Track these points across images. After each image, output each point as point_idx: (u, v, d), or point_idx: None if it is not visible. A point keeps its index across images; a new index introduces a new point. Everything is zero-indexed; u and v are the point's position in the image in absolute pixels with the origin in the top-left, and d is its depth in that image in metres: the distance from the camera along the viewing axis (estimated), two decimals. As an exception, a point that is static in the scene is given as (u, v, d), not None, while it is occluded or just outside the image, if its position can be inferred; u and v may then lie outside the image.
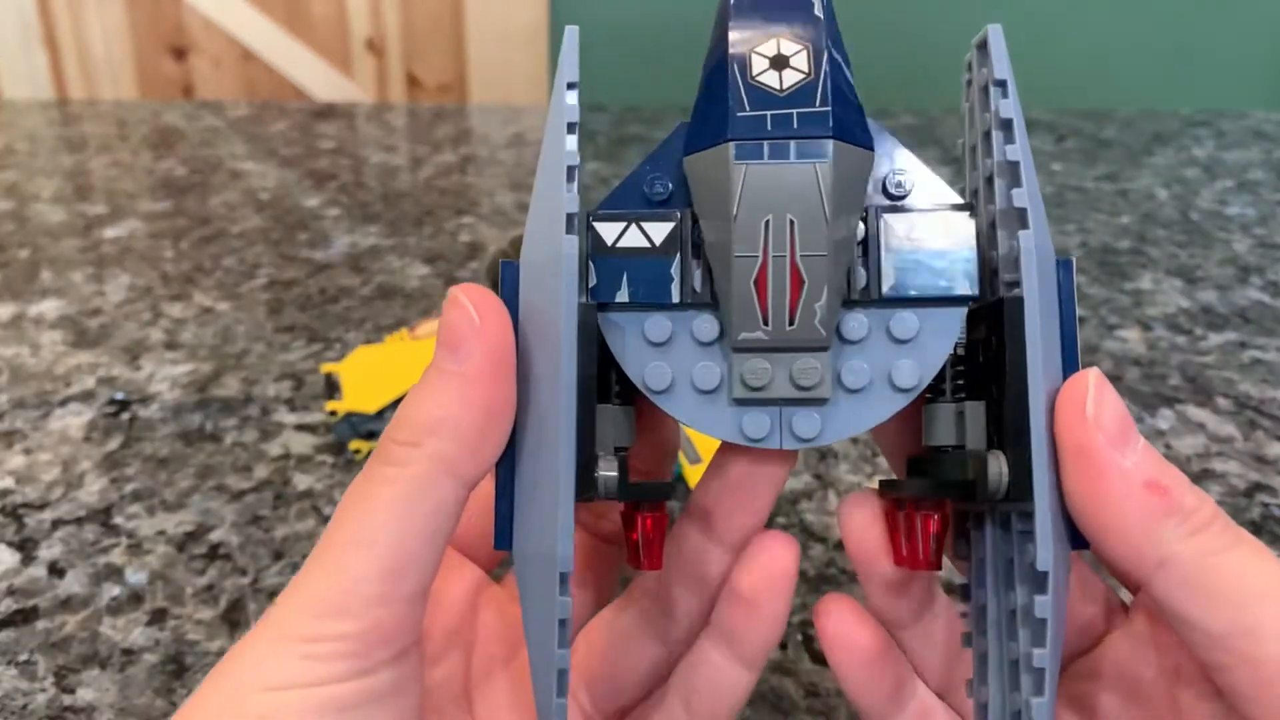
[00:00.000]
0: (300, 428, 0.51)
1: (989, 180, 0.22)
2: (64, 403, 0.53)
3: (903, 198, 0.22)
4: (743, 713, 0.34)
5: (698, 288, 0.21)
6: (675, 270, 0.21)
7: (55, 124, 1.13)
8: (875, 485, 0.25)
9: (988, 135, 0.22)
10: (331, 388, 0.51)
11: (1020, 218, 0.20)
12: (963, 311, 0.21)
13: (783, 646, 0.37)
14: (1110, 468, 0.19)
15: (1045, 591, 0.20)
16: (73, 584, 0.40)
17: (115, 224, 0.80)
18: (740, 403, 0.22)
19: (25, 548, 0.42)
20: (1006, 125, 0.21)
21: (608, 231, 0.22)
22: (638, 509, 0.23)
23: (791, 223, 0.20)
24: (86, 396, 0.54)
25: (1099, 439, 0.20)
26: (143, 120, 1.12)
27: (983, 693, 0.23)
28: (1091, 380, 0.20)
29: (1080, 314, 0.65)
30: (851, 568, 0.41)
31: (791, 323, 0.20)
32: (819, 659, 0.37)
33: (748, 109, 0.20)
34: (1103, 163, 0.98)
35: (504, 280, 0.21)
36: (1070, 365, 0.21)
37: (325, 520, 0.44)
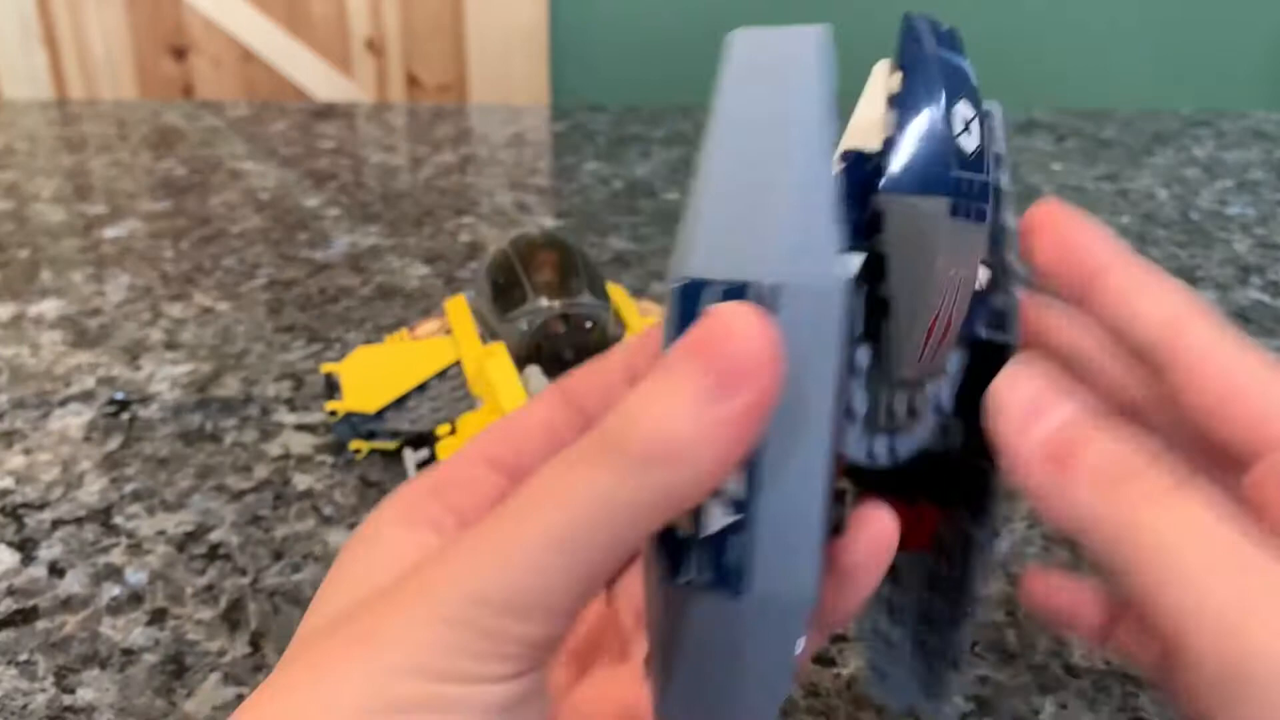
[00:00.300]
0: (300, 428, 0.51)
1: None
2: (64, 403, 0.53)
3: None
4: (743, 713, 0.34)
5: (864, 314, 0.21)
6: (862, 306, 0.21)
7: (55, 124, 1.13)
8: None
9: None
10: (331, 388, 0.51)
11: (1012, 275, 0.24)
12: (968, 345, 0.24)
13: (783, 646, 0.37)
14: (1016, 452, 0.21)
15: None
16: (73, 584, 0.40)
17: (115, 224, 0.80)
18: (878, 432, 0.23)
19: (25, 548, 0.42)
20: (998, 193, 0.24)
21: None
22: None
23: (963, 278, 0.21)
24: (86, 396, 0.54)
25: (1008, 431, 0.21)
26: (142, 120, 1.12)
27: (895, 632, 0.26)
28: (1001, 376, 0.21)
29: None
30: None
31: (934, 360, 0.22)
32: (818, 659, 0.37)
33: (958, 170, 0.20)
34: (1103, 163, 0.98)
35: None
36: None
37: (326, 520, 0.44)
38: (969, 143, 0.21)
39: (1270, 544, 0.19)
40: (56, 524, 0.44)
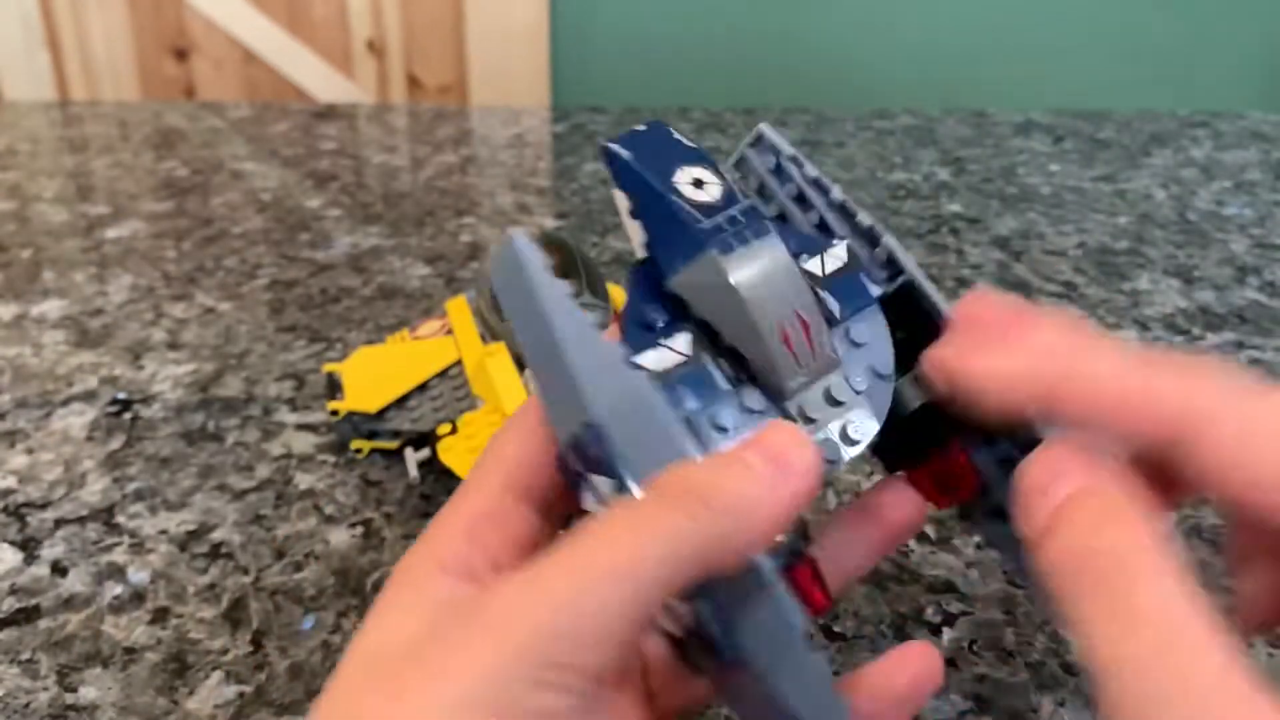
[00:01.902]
0: (302, 427, 0.51)
1: (818, 225, 0.28)
2: (66, 402, 0.54)
3: (797, 253, 0.27)
4: (741, 710, 0.35)
5: (730, 373, 0.25)
6: (711, 366, 0.25)
7: (57, 125, 1.14)
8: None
9: (799, 198, 0.29)
10: (333, 387, 0.51)
11: (870, 233, 0.28)
12: (877, 308, 0.27)
13: (781, 645, 0.37)
14: (1029, 524, 0.22)
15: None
16: (75, 583, 0.40)
17: (117, 224, 0.80)
18: (812, 434, 0.26)
19: (28, 547, 0.43)
20: (815, 183, 0.28)
21: (651, 362, 0.25)
22: (788, 568, 0.25)
23: (781, 284, 0.25)
24: (89, 396, 0.54)
25: (1029, 502, 0.22)
26: (144, 121, 1.12)
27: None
28: (1036, 455, 0.23)
29: (1078, 314, 0.65)
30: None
31: (813, 358, 0.25)
32: (817, 657, 0.37)
33: (704, 221, 0.25)
34: (1100, 163, 0.98)
35: (585, 444, 0.22)
36: None
37: (327, 519, 0.44)
38: (712, 192, 0.25)
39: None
40: (59, 523, 0.44)
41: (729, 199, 0.25)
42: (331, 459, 0.48)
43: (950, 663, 0.37)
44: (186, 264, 0.72)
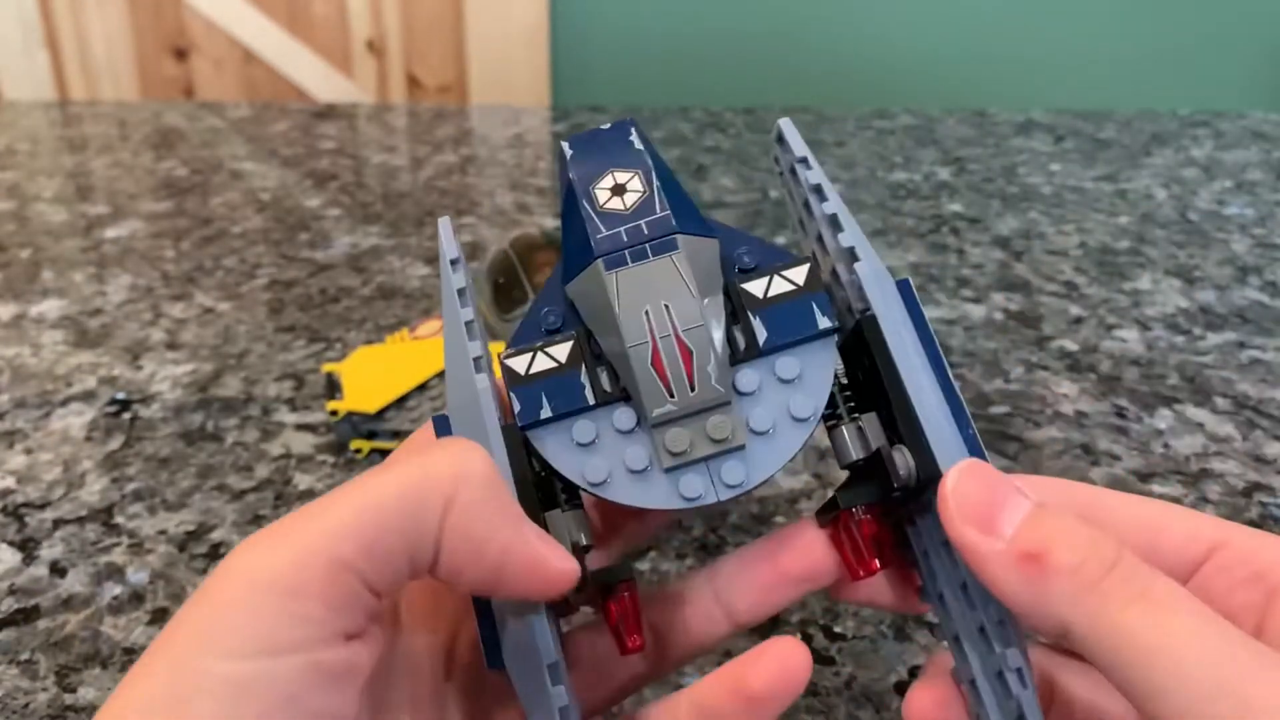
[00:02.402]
0: (301, 427, 0.51)
1: (819, 238, 0.26)
2: (65, 402, 0.53)
3: (753, 269, 0.25)
4: (742, 711, 0.35)
5: (607, 388, 0.24)
6: (584, 378, 0.25)
7: (56, 125, 1.13)
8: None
9: (807, 203, 0.26)
10: (332, 387, 0.51)
11: (850, 254, 0.25)
12: (832, 342, 0.25)
13: (782, 645, 0.37)
14: (985, 555, 0.20)
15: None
16: (74, 583, 0.40)
17: (116, 224, 0.80)
18: (671, 471, 0.24)
19: (27, 547, 0.43)
20: (817, 189, 0.26)
21: (518, 364, 0.25)
22: (607, 598, 0.24)
23: (666, 307, 0.24)
24: (88, 396, 0.54)
25: (968, 532, 0.21)
26: (144, 121, 1.12)
27: (965, 670, 0.23)
28: (950, 477, 0.21)
29: (1079, 314, 0.65)
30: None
31: (693, 389, 0.23)
32: (818, 658, 0.37)
33: (604, 231, 0.24)
34: (1101, 163, 0.98)
35: (438, 430, 0.24)
36: (938, 369, 0.24)
37: (326, 520, 0.44)
38: (628, 200, 0.25)
39: (1256, 646, 0.19)
40: (58, 523, 0.44)
41: (643, 210, 0.24)
42: (331, 459, 0.48)
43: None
44: (186, 264, 0.72)
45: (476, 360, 0.24)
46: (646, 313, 0.24)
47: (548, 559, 0.22)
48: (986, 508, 0.21)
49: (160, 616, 0.39)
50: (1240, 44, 1.72)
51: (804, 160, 0.26)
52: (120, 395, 0.54)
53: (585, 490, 0.24)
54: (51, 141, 1.06)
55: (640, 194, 0.25)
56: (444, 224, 0.26)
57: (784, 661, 0.23)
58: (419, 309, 0.65)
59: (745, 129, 1.11)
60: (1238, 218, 0.83)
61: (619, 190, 0.25)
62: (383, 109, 1.28)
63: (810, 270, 0.25)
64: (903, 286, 0.25)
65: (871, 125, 1.11)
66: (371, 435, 0.48)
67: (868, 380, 0.24)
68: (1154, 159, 1.00)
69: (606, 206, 0.25)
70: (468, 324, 0.24)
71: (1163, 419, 0.53)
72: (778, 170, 0.28)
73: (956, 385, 0.24)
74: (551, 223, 0.82)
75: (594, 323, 0.25)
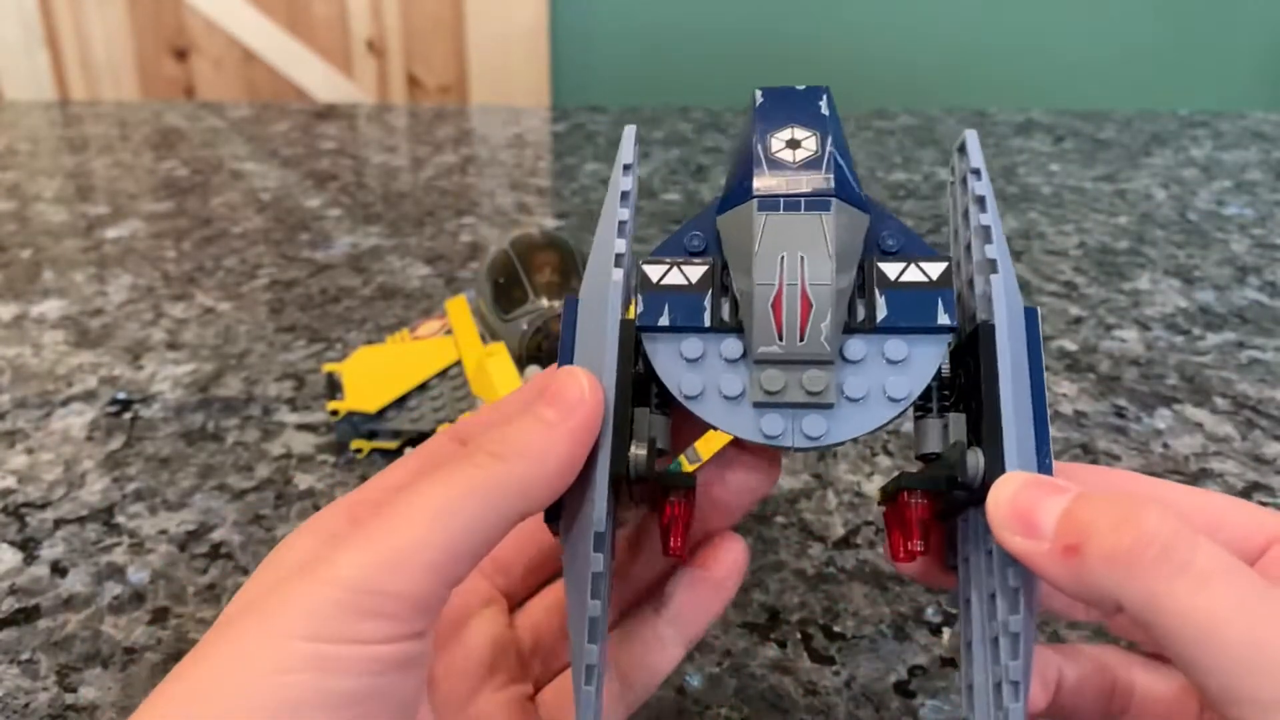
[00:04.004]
0: (301, 427, 0.51)
1: (967, 247, 0.27)
2: (66, 402, 0.54)
3: (894, 252, 0.26)
4: (742, 711, 0.35)
5: (725, 318, 0.26)
6: (707, 302, 0.26)
7: (57, 125, 1.14)
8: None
9: (966, 214, 0.27)
10: (333, 387, 0.51)
11: (991, 265, 0.25)
12: (945, 339, 0.26)
13: (781, 645, 0.37)
14: (1033, 557, 0.21)
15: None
16: (75, 583, 0.40)
17: (117, 224, 0.80)
18: (759, 406, 0.25)
19: (27, 547, 0.43)
20: (980, 200, 0.27)
21: (654, 272, 0.26)
22: (666, 496, 0.26)
23: (802, 259, 0.25)
24: (88, 396, 0.54)
25: (1014, 539, 0.22)
26: (144, 121, 1.12)
27: (968, 674, 0.25)
28: (995, 486, 0.22)
29: (1079, 314, 0.65)
30: (849, 566, 0.41)
31: (802, 339, 0.25)
32: (817, 657, 0.37)
33: (767, 175, 0.26)
34: (1101, 163, 0.99)
35: (565, 310, 0.27)
36: (1037, 396, 0.25)
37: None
38: (798, 155, 0.26)
39: None
40: (59, 523, 0.44)
41: (809, 168, 0.26)
42: (331, 459, 0.48)
43: (950, 663, 0.37)
44: (186, 264, 0.72)
45: (618, 256, 0.26)
46: (782, 258, 0.25)
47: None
48: (1026, 511, 0.22)
49: (161, 616, 0.39)
50: (1240, 44, 1.72)
51: (976, 171, 0.27)
52: (121, 395, 0.54)
53: (678, 401, 0.26)
54: (52, 141, 1.06)
55: (811, 154, 0.26)
56: (629, 132, 0.27)
57: (736, 554, 0.28)
58: (419, 309, 0.65)
59: (745, 129, 1.11)
60: (1237, 218, 0.83)
61: (794, 144, 0.26)
62: (383, 109, 1.28)
63: (947, 269, 0.26)
64: (1029, 314, 0.26)
65: (871, 125, 1.11)
66: (372, 435, 0.48)
67: (968, 384, 0.25)
68: (1153, 159, 1.00)
69: (777, 155, 0.26)
70: (621, 223, 0.26)
71: (1162, 419, 0.53)
72: (950, 180, 0.30)
73: (1048, 415, 0.25)
74: (551, 223, 0.82)
75: (732, 255, 0.26)
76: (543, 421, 0.23)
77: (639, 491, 0.26)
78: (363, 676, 0.20)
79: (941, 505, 0.26)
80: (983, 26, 1.70)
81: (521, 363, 0.48)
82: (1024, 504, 0.22)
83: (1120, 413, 0.54)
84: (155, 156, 0.99)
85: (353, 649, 0.20)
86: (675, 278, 0.26)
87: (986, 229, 0.26)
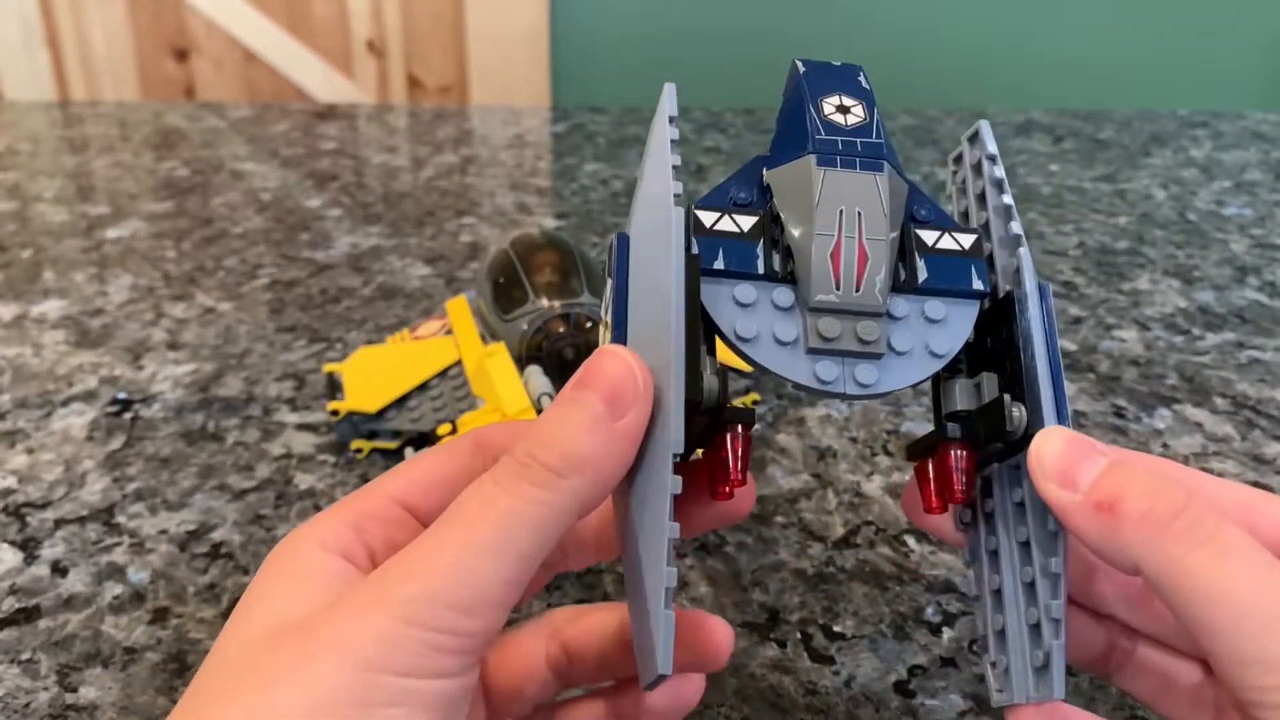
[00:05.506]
0: (302, 427, 0.51)
1: (984, 225, 0.29)
2: (66, 402, 0.54)
3: (928, 221, 0.28)
4: (742, 710, 0.35)
5: (776, 268, 0.27)
6: (760, 250, 0.27)
7: (57, 125, 1.14)
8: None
9: (981, 196, 0.29)
10: (333, 387, 0.51)
11: (1016, 241, 0.27)
12: (976, 304, 0.27)
13: (781, 645, 0.37)
14: (1066, 506, 0.23)
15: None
16: (75, 583, 0.41)
17: (117, 224, 0.80)
18: (813, 353, 0.26)
19: (28, 547, 0.43)
20: (999, 183, 0.29)
21: (707, 217, 0.27)
22: (724, 430, 0.26)
23: (859, 214, 0.26)
24: (89, 396, 0.54)
25: (1050, 487, 0.23)
26: (144, 121, 1.12)
27: (996, 620, 0.26)
28: (1038, 438, 0.24)
29: (1078, 314, 0.65)
30: (849, 566, 0.41)
31: (857, 290, 0.26)
32: (817, 657, 0.37)
33: (823, 134, 0.27)
34: (1100, 163, 0.99)
35: (618, 248, 0.27)
36: (1054, 358, 0.26)
37: (326, 519, 0.44)
38: (849, 120, 0.27)
39: None
40: (59, 523, 0.44)
41: (861, 132, 0.27)
42: (331, 459, 0.48)
43: (950, 662, 0.37)
44: (186, 264, 0.72)
45: (677, 197, 0.26)
46: (840, 211, 0.26)
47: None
48: (1066, 465, 0.23)
49: (161, 616, 0.39)
50: (1239, 44, 1.72)
51: (993, 157, 0.29)
52: (121, 395, 0.54)
53: (733, 344, 0.26)
54: (52, 141, 1.06)
55: (861, 119, 0.27)
56: (669, 89, 0.28)
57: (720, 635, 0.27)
58: (419, 309, 0.65)
59: (745, 129, 1.11)
60: (1236, 218, 0.83)
61: (843, 110, 0.27)
62: (383, 109, 1.28)
63: (977, 239, 0.28)
64: (1043, 288, 0.27)
65: (871, 125, 1.11)
66: (372, 435, 0.48)
67: (995, 347, 0.27)
68: (1153, 159, 1.00)
69: (829, 117, 0.27)
70: (675, 167, 0.26)
71: (1161, 419, 0.53)
72: (952, 169, 0.31)
73: (1064, 377, 0.27)
74: (551, 223, 0.82)
75: (787, 207, 0.27)
76: (599, 421, 0.22)
77: (699, 420, 0.26)
78: (442, 710, 0.21)
79: (975, 456, 0.27)
80: (983, 26, 1.70)
81: (521, 363, 0.48)
82: (1067, 458, 0.23)
83: (1120, 413, 0.54)
84: (155, 157, 0.99)
85: (427, 683, 0.20)
86: (728, 224, 0.27)
87: (1009, 208, 0.28)
